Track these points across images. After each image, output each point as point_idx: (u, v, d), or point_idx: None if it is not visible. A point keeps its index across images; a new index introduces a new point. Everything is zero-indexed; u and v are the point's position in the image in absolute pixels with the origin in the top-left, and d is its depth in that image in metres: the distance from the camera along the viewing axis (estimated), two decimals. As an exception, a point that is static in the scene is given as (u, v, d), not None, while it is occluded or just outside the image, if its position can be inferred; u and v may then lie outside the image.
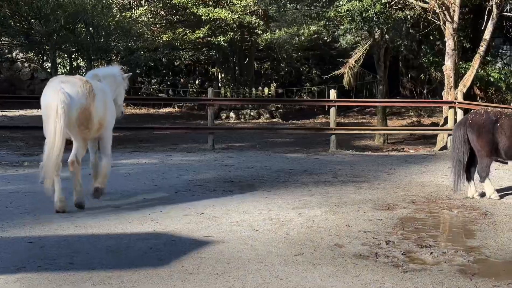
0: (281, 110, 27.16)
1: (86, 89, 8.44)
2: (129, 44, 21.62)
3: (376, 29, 18.44)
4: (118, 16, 21.25)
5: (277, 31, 24.42)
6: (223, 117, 26.31)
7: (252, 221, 8.29)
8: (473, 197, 9.99)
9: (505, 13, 16.95)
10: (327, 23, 19.91)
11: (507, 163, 10.89)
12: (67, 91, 8.22)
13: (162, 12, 26.12)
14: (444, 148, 16.30)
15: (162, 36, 23.94)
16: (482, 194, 10.08)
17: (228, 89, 27.63)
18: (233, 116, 26.29)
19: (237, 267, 6.33)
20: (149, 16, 24.43)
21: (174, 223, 8.08)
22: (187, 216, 8.50)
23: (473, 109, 17.73)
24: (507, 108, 11.87)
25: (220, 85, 28.94)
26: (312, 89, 29.91)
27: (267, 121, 26.18)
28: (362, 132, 19.44)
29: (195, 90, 30.13)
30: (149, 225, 8.01)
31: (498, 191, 10.33)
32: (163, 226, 7.96)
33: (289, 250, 6.99)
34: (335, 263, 6.55)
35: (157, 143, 18.36)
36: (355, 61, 21.81)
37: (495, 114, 9.98)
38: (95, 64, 20.53)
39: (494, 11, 15.92)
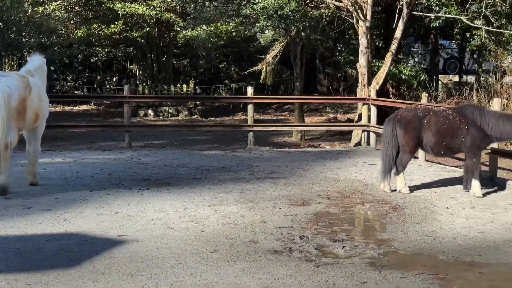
0: (200, 107, 27.07)
1: (24, 82, 9.41)
2: (42, 40, 21.02)
3: (292, 27, 18.64)
4: (30, 11, 20.61)
5: (196, 28, 24.31)
6: (141, 115, 25.99)
7: (168, 219, 8.24)
8: (385, 191, 10.27)
9: (415, 13, 17.48)
10: (244, 20, 19.97)
11: None
12: (7, 84, 9.11)
13: (76, 8, 25.52)
14: (358, 144, 16.66)
15: (76, 32, 23.40)
16: (394, 189, 10.37)
17: (146, 86, 27.32)
18: (152, 113, 26.02)
19: (151, 266, 6.28)
20: (63, 11, 23.82)
21: (87, 223, 7.93)
22: (101, 215, 8.36)
23: (386, 106, 18.30)
24: (428, 105, 12.15)
25: (138, 82, 28.58)
26: (231, 86, 29.96)
27: (186, 118, 26.05)
28: (280, 129, 19.64)
29: (112, 87, 29.62)
30: (61, 225, 7.82)
31: (409, 185, 10.66)
32: (75, 226, 7.79)
33: (204, 247, 6.98)
34: (249, 259, 6.59)
35: (72, 142, 17.96)
36: (273, 58, 21.99)
37: (423, 110, 10.30)
38: (6, 60, 19.84)
39: (405, 10, 16.40)
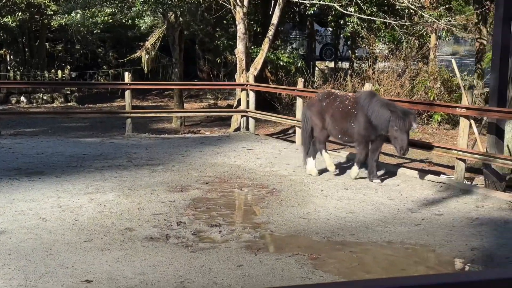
0: (76, 93, 26.23)
1: None
2: None
3: (170, 12, 18.43)
4: None
5: (71, 13, 23.46)
6: (13, 102, 24.81)
7: (39, 209, 7.94)
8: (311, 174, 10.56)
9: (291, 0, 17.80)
10: (121, 4, 19.51)
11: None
12: None
13: None
14: (238, 129, 16.78)
15: None
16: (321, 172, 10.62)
17: (18, 72, 26.11)
18: (24, 100, 24.91)
19: (19, 257, 6.02)
20: None
21: (-50, 216, 7.49)
22: (-34, 207, 7.93)
23: (265, 91, 18.55)
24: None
25: (8, 67, 27.24)
26: (109, 72, 29.25)
27: (62, 105, 25.15)
28: (159, 115, 19.39)
29: (-20, 73, 28.07)
30: None
31: (286, 169, 10.89)
32: None
33: (77, 237, 6.79)
34: (124, 247, 6.48)
35: None
36: (152, 44, 21.69)
37: (325, 94, 10.64)
38: None
39: (281, -4, 16.65)
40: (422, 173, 10.64)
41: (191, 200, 8.70)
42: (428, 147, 11.30)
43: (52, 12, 23.80)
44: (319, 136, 10.59)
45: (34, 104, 24.94)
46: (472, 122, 10.39)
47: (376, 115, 9.71)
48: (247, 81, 16.61)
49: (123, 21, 22.50)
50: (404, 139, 9.43)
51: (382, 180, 10.13)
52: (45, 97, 25.28)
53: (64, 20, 23.38)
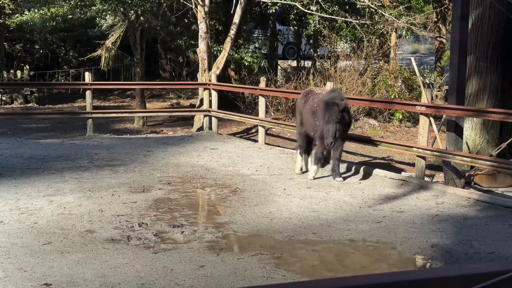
0: (36, 94, 25.84)
1: None
2: None
3: (131, 11, 18.28)
4: None
5: (28, 12, 23.07)
6: (-30, 103, 24.37)
7: (-3, 212, 7.80)
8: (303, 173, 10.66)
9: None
10: (80, 3, 19.24)
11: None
12: None
13: None
14: (201, 129, 16.72)
15: None
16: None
17: (-25, 72, 25.61)
18: (-17, 101, 24.46)
19: (-24, 262, 5.91)
20: None
21: None
22: None
23: (228, 90, 18.53)
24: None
25: (-34, 68, 26.70)
26: (70, 72, 28.89)
27: (22, 106, 24.76)
28: (120, 115, 19.19)
29: None
30: None
31: (249, 168, 10.90)
32: None
33: (36, 240, 6.69)
34: (85, 249, 6.40)
35: None
36: (112, 43, 21.51)
37: (306, 93, 10.80)
38: None
39: (242, -5, 16.64)
40: (383, 170, 10.74)
41: (153, 201, 8.64)
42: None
43: (10, 11, 23.40)
44: (297, 133, 10.94)
45: (-7, 105, 24.49)
46: (432, 120, 10.52)
47: (320, 109, 9.78)
48: (210, 81, 16.57)
49: (84, 18, 22.22)
50: (328, 130, 9.45)
51: (344, 179, 10.19)
52: (4, 98, 24.87)
53: (22, 18, 22.97)
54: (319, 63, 21.08)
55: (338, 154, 10.18)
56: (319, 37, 20.97)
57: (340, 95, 10.06)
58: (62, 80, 28.58)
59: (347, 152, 13.71)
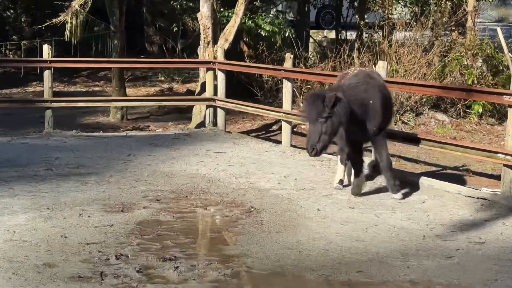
0: (-24, 75, 26.12)
1: None
2: None
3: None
4: None
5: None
6: None
7: None
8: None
9: None
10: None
11: None
12: None
13: None
14: (201, 124, 16.73)
15: None
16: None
17: None
18: None
19: None
20: None
21: None
22: None
23: (240, 71, 18.55)
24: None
25: None
26: (22, 44, 29.10)
27: (-45, 90, 25.04)
28: (91, 104, 19.28)
29: None
30: None
31: (269, 180, 10.91)
32: None
33: (-25, 276, 6.75)
34: (42, 290, 6.46)
35: None
36: (81, 5, 21.56)
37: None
38: None
39: None
40: (456, 185, 10.70)
41: (136, 224, 8.69)
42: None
43: None
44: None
45: None
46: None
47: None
48: (215, 58, 16.59)
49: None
50: (309, 132, 9.51)
51: (404, 196, 10.14)
52: None
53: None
54: (367, 35, 21.03)
55: (385, 161, 10.06)
56: (367, -2, 20.96)
57: (366, 81, 10.00)
58: (11, 56, 28.78)
59: (406, 159, 13.68)
